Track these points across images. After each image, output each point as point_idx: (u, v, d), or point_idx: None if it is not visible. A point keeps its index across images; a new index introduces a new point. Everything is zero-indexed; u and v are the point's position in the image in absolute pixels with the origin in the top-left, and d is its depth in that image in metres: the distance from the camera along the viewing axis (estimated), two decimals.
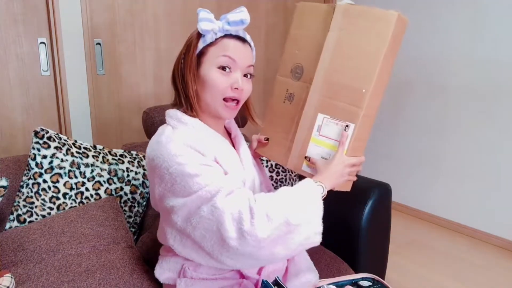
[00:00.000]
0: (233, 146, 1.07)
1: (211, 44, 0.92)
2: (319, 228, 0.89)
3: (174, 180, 0.87)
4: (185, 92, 0.95)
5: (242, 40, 0.95)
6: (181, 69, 0.95)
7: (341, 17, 0.95)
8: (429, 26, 2.57)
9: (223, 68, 0.91)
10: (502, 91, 2.28)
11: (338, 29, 0.95)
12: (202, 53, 0.93)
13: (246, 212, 0.83)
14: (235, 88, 0.92)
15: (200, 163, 0.87)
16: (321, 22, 0.99)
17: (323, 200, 0.91)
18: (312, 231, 0.88)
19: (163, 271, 1.02)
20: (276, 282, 0.87)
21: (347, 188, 1.01)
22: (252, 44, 0.98)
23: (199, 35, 0.93)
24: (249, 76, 0.96)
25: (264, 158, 1.56)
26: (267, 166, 1.60)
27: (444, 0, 2.47)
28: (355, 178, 1.00)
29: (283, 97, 1.06)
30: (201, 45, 0.92)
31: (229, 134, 1.11)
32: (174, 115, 0.97)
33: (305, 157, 1.00)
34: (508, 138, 2.28)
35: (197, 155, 0.89)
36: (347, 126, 0.93)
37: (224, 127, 1.10)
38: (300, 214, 0.86)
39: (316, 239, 0.89)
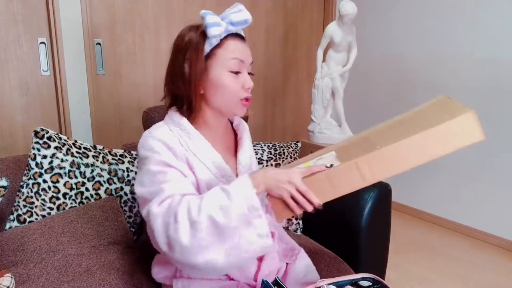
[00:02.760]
0: (236, 147, 1.07)
1: (217, 46, 0.92)
2: (262, 229, 0.81)
3: (138, 171, 0.93)
4: (188, 95, 0.95)
5: (242, 37, 0.96)
6: (184, 73, 0.94)
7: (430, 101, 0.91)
8: (429, 26, 2.57)
9: (234, 71, 0.93)
10: (502, 91, 2.28)
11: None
12: (208, 56, 0.93)
13: (172, 218, 0.80)
14: (247, 88, 0.95)
15: (164, 161, 0.89)
16: None
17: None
18: (254, 233, 0.81)
19: (160, 270, 1.02)
20: (276, 282, 0.87)
21: (280, 214, 0.86)
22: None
23: (204, 38, 0.92)
24: (250, 74, 0.98)
25: (263, 159, 1.56)
26: (266, 165, 1.60)
27: (444, 0, 2.47)
28: (294, 212, 0.83)
29: None
30: (208, 48, 0.92)
31: (235, 134, 1.11)
32: (171, 114, 0.99)
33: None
34: (508, 138, 2.29)
35: (167, 153, 0.90)
36: (332, 165, 0.83)
37: (232, 126, 1.11)
38: (229, 213, 0.79)
39: (262, 242, 0.81)
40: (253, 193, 0.81)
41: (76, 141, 1.33)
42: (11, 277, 0.93)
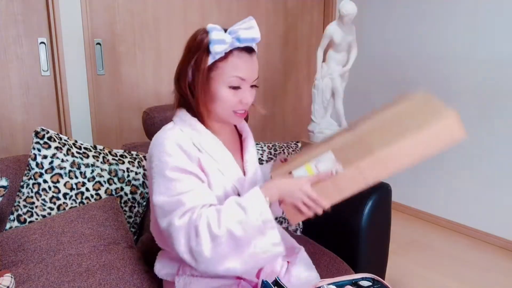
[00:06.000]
0: (241, 148, 1.11)
1: (221, 59, 0.92)
2: (275, 238, 0.88)
3: (153, 175, 0.93)
4: (190, 98, 0.97)
5: (250, 51, 0.95)
6: (187, 76, 0.95)
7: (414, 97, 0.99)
8: (429, 26, 2.57)
9: (234, 87, 0.94)
10: (502, 91, 2.28)
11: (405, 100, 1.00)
12: (211, 67, 0.93)
13: (193, 231, 0.86)
14: (245, 103, 0.96)
15: (179, 167, 0.90)
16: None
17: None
18: (269, 242, 0.88)
19: (162, 266, 1.04)
20: (276, 282, 0.87)
21: (294, 219, 0.96)
22: (256, 49, 0.98)
23: (207, 48, 0.91)
24: (254, 86, 0.98)
25: (263, 159, 1.56)
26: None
27: (444, 0, 2.47)
28: (306, 215, 0.93)
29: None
30: (210, 60, 0.92)
31: (240, 135, 1.13)
32: (181, 114, 1.00)
33: (289, 173, 1.00)
34: (508, 138, 2.29)
35: (182, 157, 0.92)
36: (337, 171, 0.91)
37: (236, 128, 1.14)
38: (246, 226, 0.86)
39: (276, 250, 0.89)
40: (266, 207, 0.88)
41: (76, 141, 1.33)
42: (11, 277, 0.93)
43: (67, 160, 1.25)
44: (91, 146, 1.34)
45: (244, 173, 1.05)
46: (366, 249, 1.37)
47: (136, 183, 1.37)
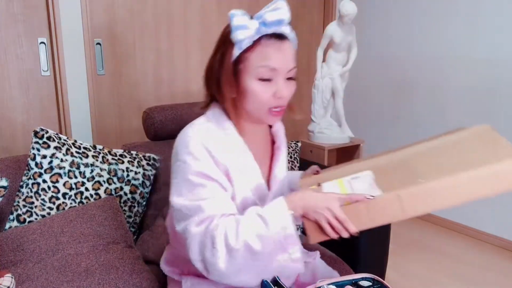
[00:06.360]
0: (272, 157, 1.00)
1: (248, 49, 0.83)
2: (296, 255, 0.82)
3: (175, 174, 0.86)
4: (218, 96, 0.90)
5: (282, 38, 0.84)
6: (216, 76, 0.87)
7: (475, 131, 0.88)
8: (429, 25, 2.57)
9: (264, 80, 0.84)
10: (501, 91, 2.28)
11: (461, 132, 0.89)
12: (239, 59, 0.84)
13: (209, 241, 0.80)
14: (279, 97, 0.85)
15: (204, 173, 0.84)
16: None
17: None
18: (288, 258, 0.82)
19: (169, 263, 1.02)
20: (276, 282, 0.87)
21: (314, 237, 0.83)
22: (292, 37, 0.87)
23: (232, 42, 0.83)
24: (291, 78, 0.87)
25: None
26: None
27: (444, 0, 2.47)
28: (329, 236, 0.82)
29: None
30: (236, 52, 0.83)
31: (273, 142, 1.02)
32: (216, 112, 0.91)
33: (318, 184, 0.91)
34: (508, 138, 2.28)
35: (208, 162, 0.85)
36: (373, 196, 0.80)
37: (271, 133, 1.02)
38: (266, 240, 0.78)
39: (294, 266, 0.83)
40: (290, 221, 0.80)
41: (75, 141, 1.33)
42: (11, 277, 0.93)
43: (66, 160, 1.25)
44: (90, 146, 1.34)
45: (269, 188, 0.96)
46: (366, 249, 1.37)
47: (136, 182, 1.36)
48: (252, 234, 0.78)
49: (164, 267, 1.04)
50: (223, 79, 0.86)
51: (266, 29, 0.82)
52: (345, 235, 0.81)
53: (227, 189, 0.87)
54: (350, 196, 0.82)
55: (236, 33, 0.81)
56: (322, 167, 1.12)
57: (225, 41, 0.85)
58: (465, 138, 0.86)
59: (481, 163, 0.75)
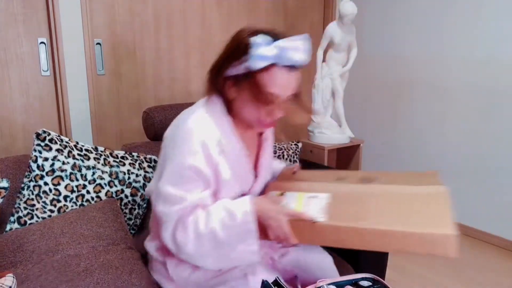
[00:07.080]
0: (259, 147, 1.10)
1: (260, 70, 0.87)
2: (254, 247, 0.92)
3: (169, 161, 0.93)
4: (220, 94, 0.97)
5: (293, 68, 0.90)
6: (226, 76, 0.93)
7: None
8: (429, 25, 2.57)
9: (265, 103, 0.91)
10: (502, 91, 2.28)
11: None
12: (247, 75, 0.89)
13: (180, 225, 0.92)
14: (272, 117, 0.95)
15: (197, 168, 0.91)
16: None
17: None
18: (247, 249, 0.92)
19: (155, 245, 1.08)
20: (276, 282, 0.87)
21: (259, 236, 0.95)
22: (304, 64, 0.92)
23: (249, 56, 0.86)
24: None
25: None
26: None
27: (444, 0, 2.47)
28: (271, 240, 0.95)
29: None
30: (247, 67, 0.88)
31: (260, 132, 1.12)
32: (215, 107, 0.97)
33: (281, 193, 1.04)
34: (509, 137, 2.29)
35: (203, 157, 0.92)
36: (316, 220, 0.92)
37: None
38: (230, 231, 0.90)
39: (251, 257, 0.93)
40: (252, 220, 0.91)
41: (77, 143, 1.33)
42: (13, 277, 0.93)
43: (68, 163, 1.25)
44: (92, 148, 1.34)
45: (256, 175, 1.07)
46: None
47: (137, 185, 1.37)
48: (219, 224, 0.91)
49: (149, 248, 1.10)
50: (231, 83, 0.93)
51: (282, 61, 0.87)
52: (287, 244, 0.98)
53: (210, 185, 0.96)
54: (300, 213, 0.93)
55: (255, 61, 0.85)
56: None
57: (240, 52, 0.88)
58: (420, 196, 0.96)
59: (420, 225, 0.85)
